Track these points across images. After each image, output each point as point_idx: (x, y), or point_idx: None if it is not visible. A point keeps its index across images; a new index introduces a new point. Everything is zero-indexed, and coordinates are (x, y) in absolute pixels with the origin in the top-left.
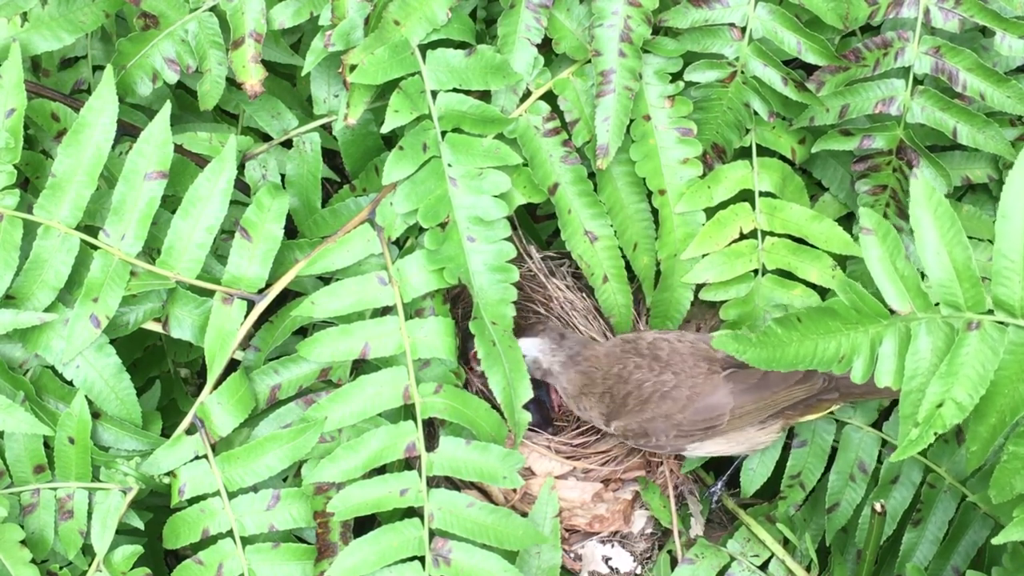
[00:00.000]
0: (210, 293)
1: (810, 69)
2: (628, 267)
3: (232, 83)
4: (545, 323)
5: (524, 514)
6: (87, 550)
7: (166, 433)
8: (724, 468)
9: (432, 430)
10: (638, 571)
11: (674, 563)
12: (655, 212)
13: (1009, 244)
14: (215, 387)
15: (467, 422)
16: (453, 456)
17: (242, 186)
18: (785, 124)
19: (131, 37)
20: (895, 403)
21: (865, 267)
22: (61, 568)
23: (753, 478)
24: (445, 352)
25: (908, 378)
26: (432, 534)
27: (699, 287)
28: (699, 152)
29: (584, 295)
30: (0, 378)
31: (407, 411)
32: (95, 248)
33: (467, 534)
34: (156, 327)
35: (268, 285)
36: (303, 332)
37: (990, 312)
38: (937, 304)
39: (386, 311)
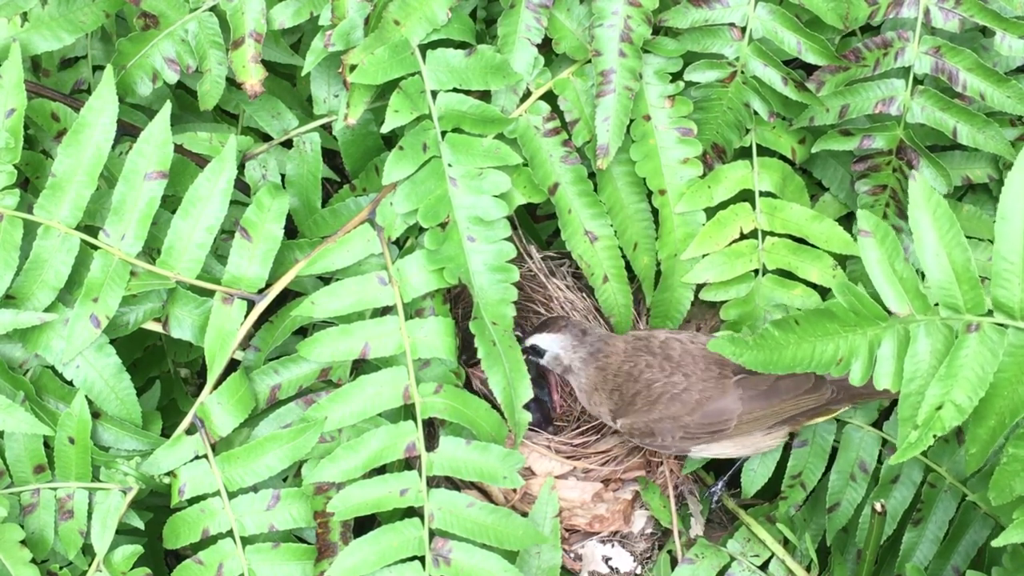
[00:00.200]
0: (210, 293)
1: (810, 69)
2: (628, 267)
3: (232, 83)
4: (567, 319)
5: (524, 514)
6: (87, 550)
7: (166, 433)
8: (724, 468)
9: (432, 430)
10: (638, 571)
11: (674, 563)
12: (655, 212)
13: (1008, 246)
14: (215, 387)
15: (467, 422)
16: (453, 456)
17: (242, 186)
18: (785, 124)
19: (131, 37)
20: (896, 403)
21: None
22: (61, 568)
23: (754, 478)
24: (445, 352)
25: (907, 380)
26: (432, 534)
27: (699, 287)
28: (699, 152)
29: (584, 295)
30: (0, 378)
31: (407, 411)
32: (95, 248)
33: (467, 534)
34: (156, 327)
35: (268, 285)
36: (303, 332)
37: (989, 314)
38: (936, 306)
39: (386, 311)
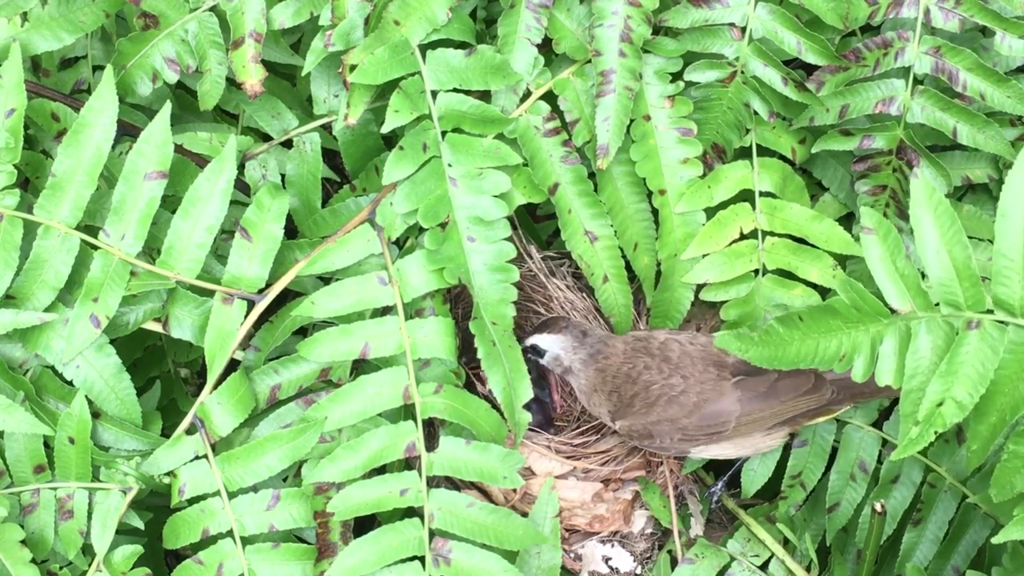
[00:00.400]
0: (210, 293)
1: (810, 69)
2: (628, 267)
3: (232, 83)
4: (567, 319)
5: (524, 514)
6: (87, 550)
7: (166, 433)
8: (724, 468)
9: (432, 430)
10: (638, 571)
11: (674, 563)
12: (655, 212)
13: (1008, 244)
14: (215, 387)
15: (467, 422)
16: (453, 456)
17: (242, 186)
18: (785, 124)
19: (131, 37)
20: (895, 402)
21: (865, 266)
22: (61, 568)
23: (754, 478)
24: (445, 352)
25: (908, 377)
26: (432, 534)
27: (699, 287)
28: (699, 152)
29: (584, 295)
30: (0, 378)
31: (407, 411)
32: (95, 248)
33: (467, 534)
34: (156, 327)
35: (268, 285)
36: (303, 332)
37: (990, 311)
38: (937, 303)
39: (386, 311)
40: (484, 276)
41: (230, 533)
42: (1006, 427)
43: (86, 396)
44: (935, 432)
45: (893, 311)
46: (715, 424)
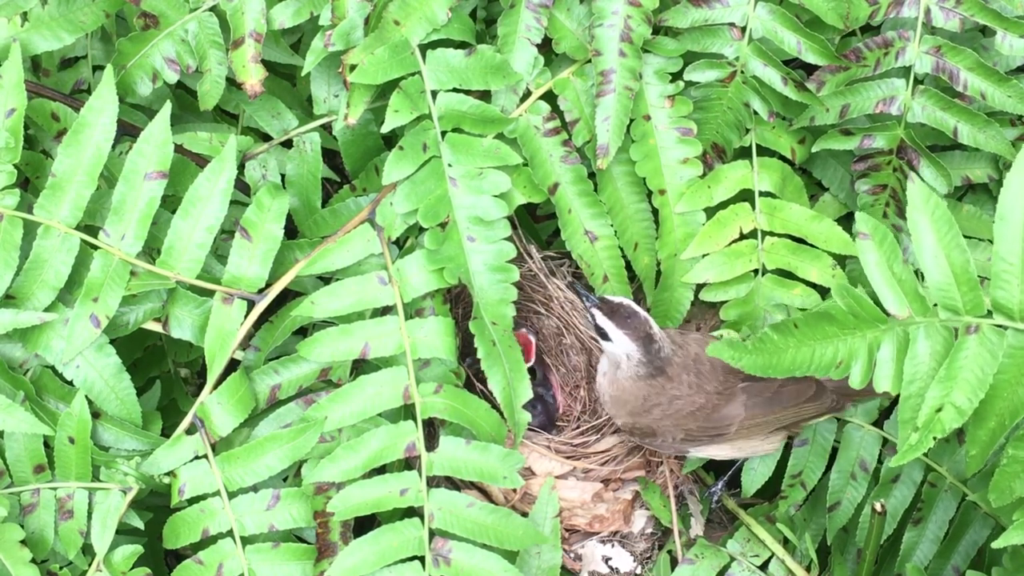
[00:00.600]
0: (210, 293)
1: (810, 69)
2: (628, 267)
3: (232, 83)
4: (651, 324)
5: (524, 514)
6: (87, 550)
7: (166, 433)
8: (725, 468)
9: (432, 430)
10: (638, 571)
11: (674, 563)
12: (655, 212)
13: (1007, 247)
14: (215, 387)
15: (467, 422)
16: (453, 456)
17: (242, 186)
18: (785, 124)
19: (131, 37)
20: (896, 401)
21: None
22: (61, 568)
23: (754, 478)
24: (445, 352)
25: (907, 383)
26: (432, 534)
27: (699, 287)
28: (699, 152)
29: None
30: (0, 378)
31: (407, 411)
32: (95, 248)
33: (467, 534)
34: (156, 327)
35: (268, 285)
36: (303, 332)
37: (989, 315)
38: (935, 308)
39: (386, 311)
40: (484, 276)
41: (230, 533)
42: (1005, 431)
43: (86, 396)
44: (934, 438)
45: (890, 316)
46: (719, 426)
